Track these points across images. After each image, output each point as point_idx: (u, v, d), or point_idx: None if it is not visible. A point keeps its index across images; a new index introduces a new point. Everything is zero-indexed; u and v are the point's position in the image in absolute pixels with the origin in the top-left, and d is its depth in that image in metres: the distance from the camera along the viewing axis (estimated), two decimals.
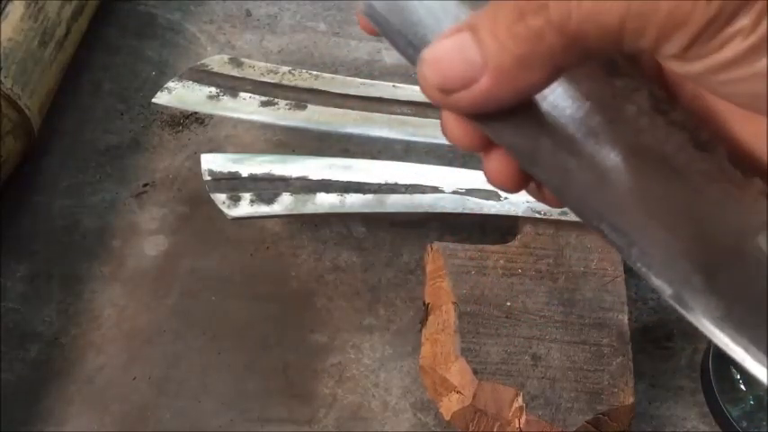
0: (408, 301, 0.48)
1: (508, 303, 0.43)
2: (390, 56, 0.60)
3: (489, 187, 0.48)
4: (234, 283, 0.49)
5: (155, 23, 0.61)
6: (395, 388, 0.45)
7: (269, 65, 0.52)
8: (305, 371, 0.46)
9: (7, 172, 0.48)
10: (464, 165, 0.50)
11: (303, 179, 0.48)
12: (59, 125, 0.55)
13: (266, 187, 0.47)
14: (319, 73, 0.52)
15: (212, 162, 0.48)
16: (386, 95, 0.51)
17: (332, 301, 0.48)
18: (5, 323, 0.46)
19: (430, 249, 0.46)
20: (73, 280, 0.48)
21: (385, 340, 0.47)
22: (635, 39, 0.19)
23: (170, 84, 0.50)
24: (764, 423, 0.42)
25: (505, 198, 0.48)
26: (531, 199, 0.43)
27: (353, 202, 0.47)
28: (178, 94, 0.50)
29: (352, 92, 0.51)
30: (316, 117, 0.50)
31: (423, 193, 0.48)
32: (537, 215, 0.47)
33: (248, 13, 0.62)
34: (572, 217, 0.45)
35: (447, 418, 0.41)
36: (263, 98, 0.50)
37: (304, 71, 0.52)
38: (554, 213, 0.46)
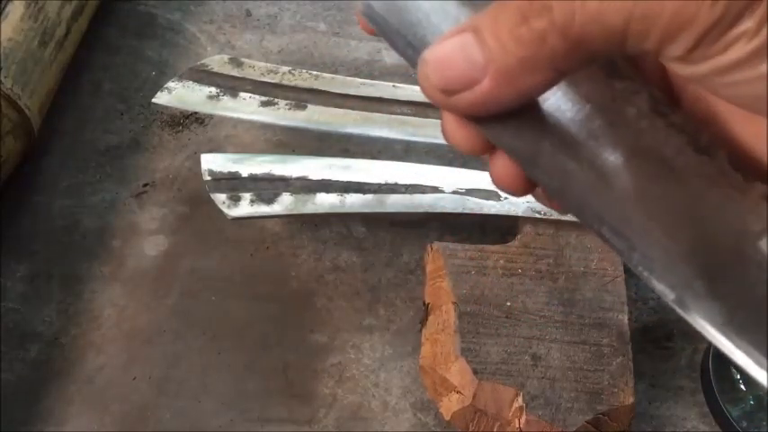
0: (408, 301, 0.48)
1: (508, 303, 0.43)
2: (390, 56, 0.60)
3: (489, 187, 0.48)
4: (234, 283, 0.49)
5: (155, 23, 0.61)
6: (395, 388, 0.45)
7: (269, 65, 0.52)
8: (305, 371, 0.46)
9: (7, 172, 0.48)
10: (464, 165, 0.50)
11: (303, 179, 0.48)
12: (59, 125, 0.55)
13: (266, 187, 0.47)
14: (319, 73, 0.52)
15: (212, 162, 0.48)
16: (386, 95, 0.51)
17: (332, 301, 0.48)
18: (5, 323, 0.46)
19: (430, 249, 0.46)
20: (73, 280, 0.48)
21: (385, 340, 0.47)
22: (639, 41, 0.19)
23: (170, 84, 0.50)
24: (764, 423, 0.42)
25: (505, 198, 0.48)
26: (531, 199, 0.43)
27: (353, 202, 0.47)
28: (178, 94, 0.50)
29: (352, 92, 0.51)
30: (316, 117, 0.50)
31: (423, 193, 0.48)
32: (537, 215, 0.47)
33: (248, 13, 0.62)
34: (572, 217, 0.45)
35: (447, 418, 0.41)
36: (263, 98, 0.50)
37: (304, 71, 0.52)
38: (554, 213, 0.46)
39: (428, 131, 0.49)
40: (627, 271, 0.45)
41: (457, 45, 0.21)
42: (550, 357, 0.41)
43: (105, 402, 0.44)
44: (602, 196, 0.22)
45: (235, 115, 0.50)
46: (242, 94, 0.50)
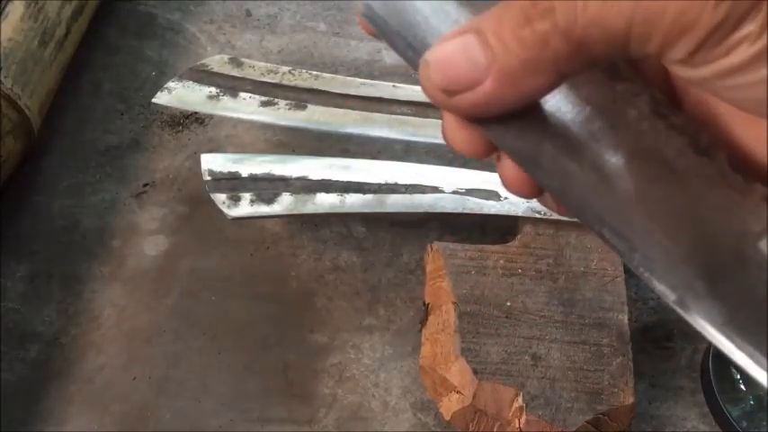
0: (408, 301, 0.49)
1: (508, 303, 0.43)
2: (390, 56, 0.60)
3: (489, 187, 0.48)
4: (234, 283, 0.49)
5: (155, 23, 0.61)
6: (395, 388, 0.45)
7: (269, 65, 0.52)
8: (305, 371, 0.46)
9: (7, 172, 0.48)
10: (464, 165, 0.50)
11: (303, 179, 0.48)
12: (59, 125, 0.55)
13: (266, 187, 0.47)
14: (319, 73, 0.52)
15: (212, 162, 0.48)
16: (386, 95, 0.51)
17: (332, 301, 0.48)
18: (5, 323, 0.46)
19: (430, 249, 0.46)
20: (73, 280, 0.48)
21: (385, 340, 0.47)
22: (641, 44, 0.19)
23: (170, 84, 0.50)
24: (764, 423, 0.42)
25: (505, 198, 0.48)
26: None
27: (353, 202, 0.47)
28: (178, 94, 0.50)
29: (352, 92, 0.51)
30: (316, 117, 0.50)
31: (423, 193, 0.48)
32: (537, 215, 0.47)
33: (248, 13, 0.62)
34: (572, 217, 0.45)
35: (447, 418, 0.41)
36: (263, 98, 0.50)
37: (304, 71, 0.52)
38: (554, 213, 0.46)
39: (428, 131, 0.49)
40: (627, 271, 0.45)
41: (459, 46, 0.21)
42: (550, 357, 0.41)
43: (105, 402, 0.44)
44: (603, 197, 0.22)
45: (235, 115, 0.50)
46: (242, 94, 0.50)
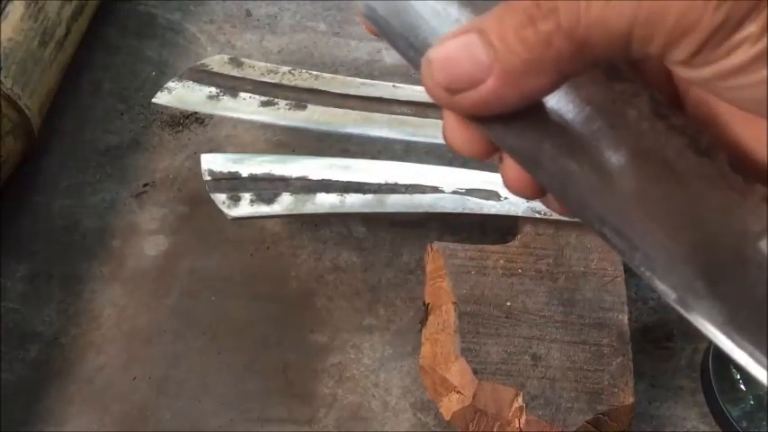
0: (408, 301, 0.49)
1: (508, 303, 0.43)
2: (390, 56, 0.60)
3: (489, 187, 0.48)
4: (234, 283, 0.49)
5: (155, 23, 0.61)
6: (395, 388, 0.45)
7: (269, 65, 0.52)
8: (305, 371, 0.46)
9: (7, 172, 0.48)
10: (464, 165, 0.50)
11: (303, 179, 0.48)
12: (59, 125, 0.55)
13: (266, 187, 0.47)
14: (319, 73, 0.52)
15: (212, 162, 0.48)
16: (386, 95, 0.51)
17: (332, 301, 0.48)
18: (5, 323, 0.46)
19: (430, 249, 0.46)
20: (73, 280, 0.48)
21: (385, 340, 0.47)
22: (643, 45, 0.19)
23: (170, 84, 0.50)
24: (764, 423, 0.42)
25: (505, 198, 0.48)
26: None
27: (353, 202, 0.47)
28: (178, 94, 0.50)
29: (352, 92, 0.51)
30: (316, 117, 0.50)
31: (423, 193, 0.48)
32: (537, 215, 0.47)
33: (248, 13, 0.62)
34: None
35: (447, 418, 0.41)
36: (263, 98, 0.50)
37: (304, 71, 0.52)
38: (554, 213, 0.46)
39: (428, 131, 0.49)
40: (627, 271, 0.45)
41: (461, 44, 0.21)
42: (550, 357, 0.41)
43: (105, 402, 0.44)
44: (603, 197, 0.22)
45: (235, 115, 0.50)
46: (242, 94, 0.50)
